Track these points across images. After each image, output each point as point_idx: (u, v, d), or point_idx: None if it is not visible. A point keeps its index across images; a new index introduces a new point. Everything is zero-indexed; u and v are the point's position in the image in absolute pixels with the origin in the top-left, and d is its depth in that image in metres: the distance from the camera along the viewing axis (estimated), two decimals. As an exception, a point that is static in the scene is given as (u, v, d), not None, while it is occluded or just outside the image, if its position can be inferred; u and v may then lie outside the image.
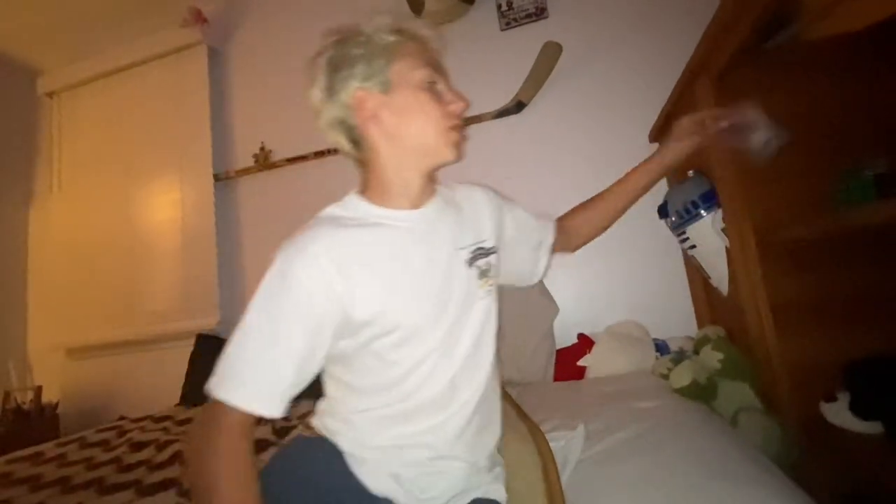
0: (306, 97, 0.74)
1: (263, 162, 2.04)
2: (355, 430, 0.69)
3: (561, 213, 0.96)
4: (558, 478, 0.76)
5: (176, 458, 1.13)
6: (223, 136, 2.16)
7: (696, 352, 1.18)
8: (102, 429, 1.53)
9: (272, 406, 0.60)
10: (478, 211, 0.80)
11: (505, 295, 0.82)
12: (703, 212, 1.12)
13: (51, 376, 2.25)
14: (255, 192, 2.10)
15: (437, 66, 0.72)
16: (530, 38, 1.68)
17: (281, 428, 1.16)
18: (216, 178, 2.09)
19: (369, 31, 0.70)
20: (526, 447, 0.81)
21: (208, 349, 1.89)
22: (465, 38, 1.80)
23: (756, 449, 0.82)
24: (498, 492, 0.73)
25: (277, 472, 0.69)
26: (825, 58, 0.95)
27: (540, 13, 1.75)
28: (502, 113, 1.73)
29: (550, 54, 1.62)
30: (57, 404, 2.10)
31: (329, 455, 0.69)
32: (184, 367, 1.85)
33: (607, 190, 0.94)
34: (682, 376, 1.05)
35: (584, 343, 1.41)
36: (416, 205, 0.73)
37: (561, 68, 1.65)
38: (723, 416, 1.00)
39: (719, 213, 1.08)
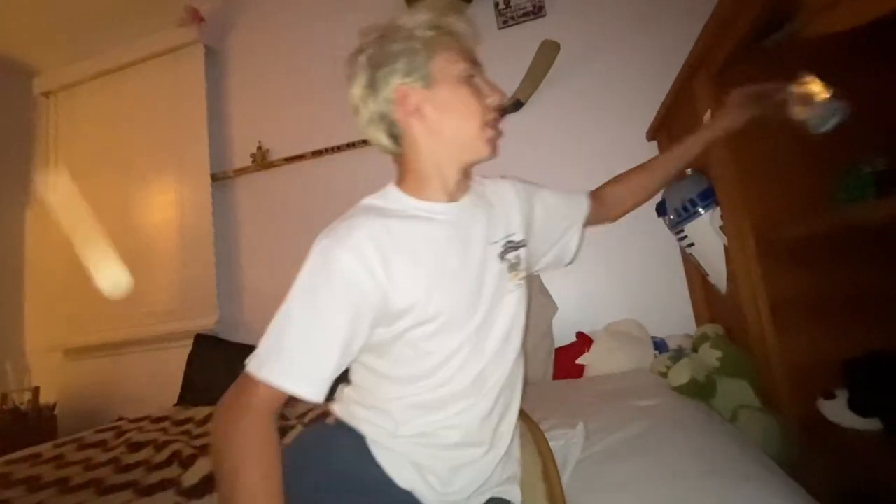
0: (347, 95, 0.74)
1: (261, 161, 2.04)
2: (384, 417, 0.69)
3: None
4: (559, 478, 0.76)
5: (174, 458, 1.13)
6: (220, 135, 2.16)
7: (695, 350, 1.18)
8: (101, 429, 1.52)
9: (316, 389, 0.61)
10: (507, 205, 0.81)
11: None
12: (701, 210, 1.12)
13: (48, 377, 2.24)
14: (253, 191, 2.10)
15: (473, 60, 0.74)
16: (528, 37, 1.68)
17: (281, 427, 1.16)
18: (213, 177, 2.08)
19: (409, 27, 0.71)
20: (526, 447, 0.81)
21: (207, 349, 1.89)
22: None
23: (755, 446, 0.82)
24: (513, 492, 0.74)
25: (301, 455, 0.68)
26: (823, 56, 0.95)
27: (538, 11, 1.74)
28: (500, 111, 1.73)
29: (548, 53, 1.62)
30: (55, 405, 2.09)
31: (353, 443, 0.69)
32: (182, 367, 1.85)
33: (654, 158, 0.95)
34: (681, 374, 1.05)
35: (583, 341, 1.41)
36: (452, 198, 0.74)
37: (559, 67, 1.65)
38: (722, 413, 1.00)
39: (717, 212, 1.09)
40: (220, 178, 2.10)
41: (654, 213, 1.37)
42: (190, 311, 2.04)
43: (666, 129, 1.46)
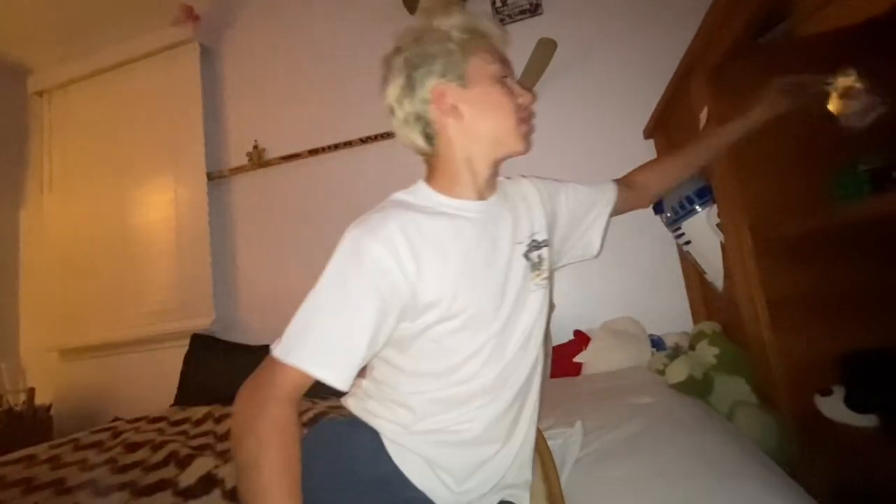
0: (383, 97, 0.76)
1: (257, 160, 2.03)
2: (403, 412, 0.70)
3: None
4: (557, 478, 0.76)
5: (171, 458, 1.12)
6: (216, 134, 2.15)
7: (692, 347, 1.18)
8: (97, 430, 1.51)
9: (344, 376, 0.61)
10: (530, 204, 0.82)
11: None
12: (698, 207, 1.12)
13: (44, 378, 2.22)
14: (250, 190, 2.09)
15: (505, 61, 0.76)
16: (524, 35, 1.67)
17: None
18: (209, 176, 2.07)
19: (445, 29, 0.73)
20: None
21: (203, 349, 1.88)
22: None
23: (752, 444, 0.82)
24: (523, 499, 0.74)
25: (316, 451, 0.68)
26: (819, 53, 0.96)
27: (534, 9, 1.74)
28: (497, 110, 1.73)
29: (545, 50, 1.62)
30: (50, 406, 2.08)
31: (369, 440, 0.70)
32: (179, 367, 1.84)
33: (691, 144, 0.96)
34: (679, 372, 1.05)
35: (581, 339, 1.41)
36: (482, 196, 0.76)
37: (555, 65, 1.64)
38: (719, 410, 1.00)
39: (714, 209, 1.09)
40: (216, 177, 2.09)
41: (651, 211, 1.37)
42: (186, 311, 2.03)
43: (663, 127, 1.46)
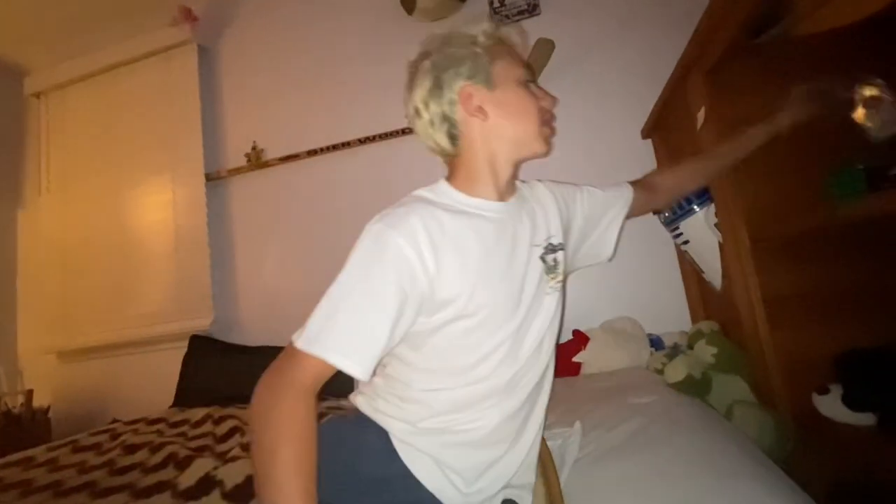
0: (408, 99, 0.78)
1: (255, 161, 2.03)
2: (415, 408, 0.70)
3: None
4: (557, 478, 0.76)
5: (170, 460, 1.12)
6: (214, 135, 2.14)
7: (691, 346, 1.18)
8: (95, 432, 1.51)
9: (366, 366, 0.61)
10: (546, 208, 0.84)
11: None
12: (696, 207, 1.13)
13: (42, 380, 2.22)
14: (248, 191, 2.08)
15: (528, 67, 0.79)
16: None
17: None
18: (208, 177, 2.07)
19: (472, 34, 0.75)
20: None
21: (202, 350, 1.88)
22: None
23: (750, 442, 0.82)
24: (525, 499, 0.74)
25: (326, 451, 0.67)
26: (815, 53, 0.96)
27: (532, 10, 1.75)
28: (495, 110, 1.73)
29: (543, 51, 1.62)
30: (48, 408, 2.07)
31: (378, 440, 0.70)
32: (177, 368, 1.84)
33: (710, 148, 0.97)
34: (677, 371, 1.06)
35: (580, 339, 1.41)
36: (502, 198, 0.77)
37: (553, 65, 1.64)
38: (717, 409, 1.01)
39: (712, 209, 1.09)
40: (214, 178, 2.08)
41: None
42: (185, 312, 2.03)
43: (661, 127, 1.47)
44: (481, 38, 0.75)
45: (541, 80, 1.67)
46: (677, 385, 1.05)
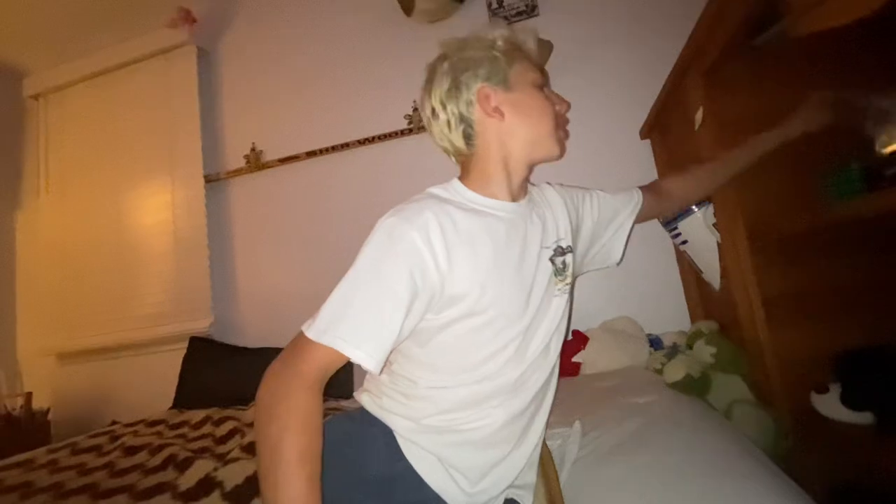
0: (423, 109, 0.80)
1: (255, 162, 2.03)
2: (420, 404, 0.70)
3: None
4: (557, 478, 0.76)
5: (170, 461, 1.12)
6: (213, 137, 2.14)
7: (690, 346, 1.18)
8: (95, 434, 1.51)
9: (376, 358, 0.61)
10: (555, 211, 0.84)
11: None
12: (694, 207, 1.13)
13: (41, 382, 2.22)
14: (247, 192, 2.08)
15: (543, 72, 0.81)
16: (521, 36, 1.68)
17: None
18: (207, 179, 2.07)
19: (491, 38, 0.77)
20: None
21: (201, 352, 1.88)
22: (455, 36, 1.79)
23: (750, 442, 0.83)
24: (526, 498, 0.74)
25: (331, 451, 0.67)
26: (813, 53, 0.96)
27: (531, 11, 1.75)
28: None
29: (541, 51, 1.62)
30: (48, 410, 2.07)
31: (383, 440, 0.70)
32: (177, 370, 1.84)
33: (720, 154, 0.97)
34: (676, 371, 1.06)
35: (579, 339, 1.41)
36: (514, 198, 0.78)
37: (551, 66, 1.65)
38: (717, 409, 1.01)
39: (710, 209, 1.09)
40: (213, 180, 2.08)
41: (648, 211, 1.38)
42: (184, 314, 2.03)
43: (659, 127, 1.47)
44: (499, 43, 0.77)
45: (539, 81, 1.68)
46: (676, 385, 1.05)
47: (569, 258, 0.81)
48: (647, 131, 1.53)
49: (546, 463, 0.80)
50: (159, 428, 1.47)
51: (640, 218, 0.97)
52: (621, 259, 0.97)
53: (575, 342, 1.42)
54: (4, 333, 2.32)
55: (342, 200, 1.91)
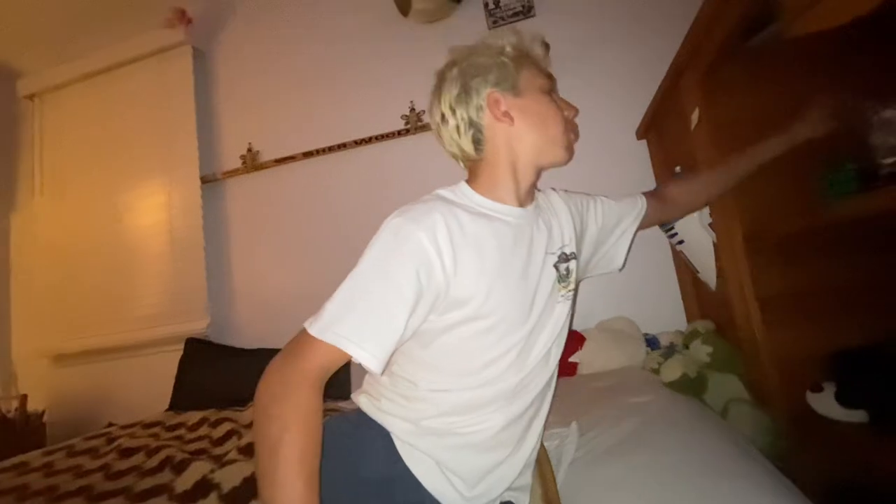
0: (432, 114, 0.80)
1: (251, 163, 2.02)
2: (420, 406, 0.70)
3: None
4: (554, 479, 0.77)
5: (166, 463, 1.12)
6: (210, 137, 2.14)
7: (686, 346, 1.19)
8: (90, 436, 1.50)
9: (380, 357, 0.61)
10: (560, 217, 0.85)
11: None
12: (690, 207, 1.13)
13: (36, 384, 2.20)
14: (244, 193, 2.08)
15: (551, 78, 0.81)
16: (518, 37, 1.68)
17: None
18: (203, 180, 2.06)
19: (500, 45, 0.77)
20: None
21: (198, 353, 1.87)
22: (452, 37, 1.78)
23: (746, 441, 0.83)
24: (522, 500, 0.75)
25: (328, 454, 0.67)
26: (808, 54, 0.97)
27: (527, 11, 1.75)
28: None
29: (538, 52, 1.62)
30: (43, 412, 2.06)
31: (381, 444, 0.70)
32: (173, 371, 1.83)
33: (728, 160, 0.97)
34: (673, 370, 1.06)
35: (576, 339, 1.41)
36: (521, 203, 0.78)
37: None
38: (713, 408, 1.01)
39: (706, 209, 1.10)
40: (209, 181, 2.08)
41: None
42: (180, 315, 2.02)
43: (655, 128, 1.47)
44: (508, 49, 0.77)
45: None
46: (673, 384, 1.05)
47: (572, 264, 0.81)
48: (644, 132, 1.54)
49: (543, 463, 0.80)
50: (156, 430, 1.46)
51: (644, 225, 0.97)
52: (623, 265, 0.97)
53: (572, 342, 1.42)
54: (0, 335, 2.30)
55: (339, 201, 1.90)
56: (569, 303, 0.80)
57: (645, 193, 0.99)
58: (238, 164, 2.05)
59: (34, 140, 2.37)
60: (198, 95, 2.12)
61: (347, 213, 1.87)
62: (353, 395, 0.80)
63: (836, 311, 0.92)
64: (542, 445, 0.84)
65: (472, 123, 0.76)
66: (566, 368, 1.38)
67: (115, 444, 1.37)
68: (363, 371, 0.67)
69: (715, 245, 1.09)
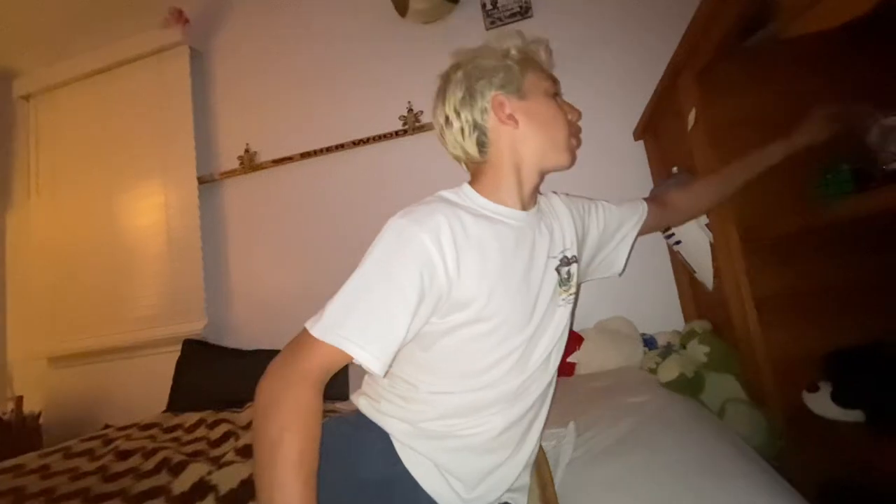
0: (435, 117, 0.80)
1: (248, 163, 2.02)
2: (419, 407, 0.70)
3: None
4: (552, 479, 0.77)
5: (163, 465, 1.11)
6: (207, 137, 2.13)
7: (684, 346, 1.19)
8: (87, 438, 1.49)
9: (382, 359, 0.61)
10: (561, 220, 0.85)
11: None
12: (687, 208, 1.13)
13: (32, 386, 2.19)
14: (241, 194, 2.07)
15: (555, 81, 0.81)
16: (515, 37, 1.68)
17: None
18: (200, 180, 2.06)
19: (505, 48, 0.77)
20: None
21: (195, 354, 1.86)
22: (449, 38, 1.80)
23: (742, 441, 0.83)
24: (520, 501, 0.74)
25: (327, 455, 0.65)
26: (804, 54, 0.97)
27: (525, 12, 1.76)
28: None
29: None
30: (39, 414, 2.05)
31: (380, 445, 0.70)
32: (170, 373, 1.82)
33: (732, 163, 0.97)
34: (670, 370, 1.06)
35: (574, 339, 1.41)
36: (524, 206, 0.78)
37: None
38: (710, 407, 1.02)
39: (704, 209, 1.10)
40: (207, 181, 2.07)
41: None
42: (177, 316, 2.01)
43: (652, 129, 1.48)
44: (513, 52, 0.77)
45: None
46: (670, 384, 1.05)
47: (574, 268, 0.81)
48: (641, 132, 1.54)
49: (541, 464, 0.80)
50: (153, 431, 1.46)
51: (644, 230, 0.97)
52: (623, 270, 0.97)
53: (570, 342, 1.42)
54: (-5, 337, 2.29)
55: (336, 202, 1.90)
56: (569, 307, 0.80)
57: (646, 199, 0.99)
58: (235, 164, 2.04)
59: (30, 140, 2.36)
60: (195, 96, 2.12)
61: (345, 213, 1.87)
62: (351, 397, 0.80)
63: (833, 310, 0.93)
64: (539, 446, 0.84)
65: (476, 126, 0.76)
66: (564, 368, 1.38)
67: (112, 445, 1.36)
68: (362, 372, 0.67)
69: (712, 245, 1.09)
